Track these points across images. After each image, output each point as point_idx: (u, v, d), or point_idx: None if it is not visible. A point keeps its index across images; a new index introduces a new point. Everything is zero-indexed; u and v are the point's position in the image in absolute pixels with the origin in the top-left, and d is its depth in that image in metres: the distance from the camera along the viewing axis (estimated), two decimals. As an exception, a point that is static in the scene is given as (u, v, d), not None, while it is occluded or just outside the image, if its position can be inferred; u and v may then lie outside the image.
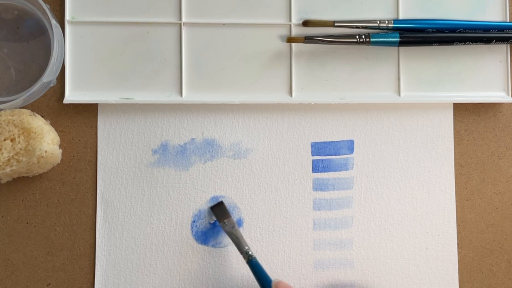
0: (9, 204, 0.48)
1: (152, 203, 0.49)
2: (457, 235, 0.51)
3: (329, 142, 0.50)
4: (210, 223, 0.49)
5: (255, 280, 0.49)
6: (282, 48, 0.49)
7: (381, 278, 0.50)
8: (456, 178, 0.51)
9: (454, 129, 0.51)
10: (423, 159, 0.51)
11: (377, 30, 0.49)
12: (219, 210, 0.49)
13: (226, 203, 0.49)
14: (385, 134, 0.51)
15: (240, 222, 0.49)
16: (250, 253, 0.46)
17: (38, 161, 0.45)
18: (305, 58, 0.49)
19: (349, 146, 0.50)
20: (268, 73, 0.49)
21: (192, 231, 0.49)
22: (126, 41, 0.48)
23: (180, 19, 0.49)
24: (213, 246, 0.49)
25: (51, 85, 0.47)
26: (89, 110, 0.49)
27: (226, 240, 0.49)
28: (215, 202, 0.49)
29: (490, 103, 0.52)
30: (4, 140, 0.44)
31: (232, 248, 0.49)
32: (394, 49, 0.50)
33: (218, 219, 0.48)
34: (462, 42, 0.49)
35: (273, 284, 0.44)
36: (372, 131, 0.51)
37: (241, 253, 0.47)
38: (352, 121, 0.51)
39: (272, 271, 0.49)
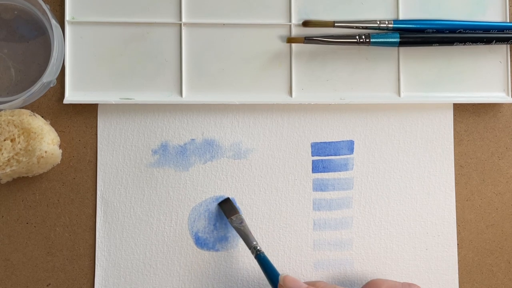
0: (9, 204, 0.48)
1: (152, 203, 0.49)
2: (457, 236, 0.51)
3: (329, 142, 0.50)
4: (214, 225, 0.49)
5: (254, 281, 0.49)
6: (282, 48, 0.49)
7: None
8: (456, 178, 0.51)
9: (454, 129, 0.51)
10: (423, 159, 0.51)
11: (377, 31, 0.49)
12: (226, 206, 0.49)
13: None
14: (385, 134, 0.51)
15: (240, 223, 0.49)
16: (258, 247, 0.46)
17: (38, 161, 0.45)
18: (305, 58, 0.49)
19: (349, 146, 0.50)
20: (268, 73, 0.49)
21: (192, 231, 0.49)
22: (126, 41, 0.48)
23: (180, 19, 0.49)
24: (212, 246, 0.49)
25: (51, 85, 0.47)
26: (89, 110, 0.49)
27: (225, 241, 0.49)
28: (221, 199, 0.49)
29: (490, 103, 0.52)
30: (4, 140, 0.44)
31: (231, 249, 0.49)
32: (394, 49, 0.50)
33: (226, 215, 0.48)
34: (462, 43, 0.49)
35: (280, 278, 0.44)
36: (372, 131, 0.51)
37: (249, 248, 0.46)
38: (352, 121, 0.51)
39: (272, 271, 0.49)
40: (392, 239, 0.50)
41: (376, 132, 0.51)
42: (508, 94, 0.51)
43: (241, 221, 0.48)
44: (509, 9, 0.51)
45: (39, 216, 0.48)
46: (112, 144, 0.49)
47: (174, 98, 0.48)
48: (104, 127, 0.49)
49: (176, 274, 0.49)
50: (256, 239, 0.47)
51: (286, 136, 0.50)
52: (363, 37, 0.48)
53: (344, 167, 0.50)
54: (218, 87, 0.49)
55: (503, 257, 0.51)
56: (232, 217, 0.48)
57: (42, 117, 0.48)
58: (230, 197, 0.49)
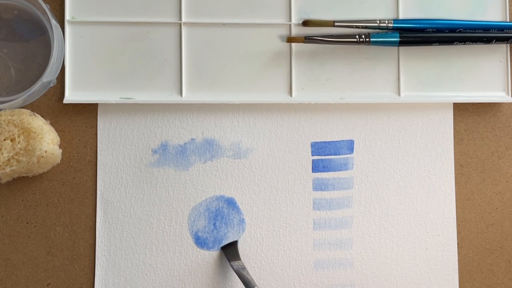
0: (9, 204, 0.48)
1: (152, 203, 0.49)
2: (457, 235, 0.51)
3: (329, 142, 0.50)
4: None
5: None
6: (282, 48, 0.49)
7: (381, 278, 0.50)
8: (456, 178, 0.51)
9: (454, 129, 0.51)
10: (423, 159, 0.51)
11: (377, 30, 0.49)
12: (229, 251, 0.48)
13: (229, 206, 0.49)
14: (385, 134, 0.51)
15: (241, 223, 0.49)
16: None
17: (38, 161, 0.45)
18: (305, 58, 0.49)
19: (349, 146, 0.50)
20: (268, 73, 0.49)
21: (192, 231, 0.49)
22: (126, 41, 0.48)
23: (180, 19, 0.49)
24: (212, 246, 0.49)
25: (51, 85, 0.47)
26: (89, 110, 0.49)
27: (225, 241, 0.49)
28: (228, 242, 0.49)
29: (490, 103, 0.52)
30: (4, 140, 0.44)
31: (232, 248, 0.49)
32: (394, 49, 0.50)
33: (228, 259, 0.48)
34: (462, 42, 0.49)
35: None
36: (372, 131, 0.51)
37: None
38: (352, 121, 0.51)
39: (272, 271, 0.49)
40: (392, 239, 0.50)
41: (376, 131, 0.51)
42: (508, 94, 0.51)
43: (243, 267, 0.47)
44: (509, 9, 0.51)
45: (39, 216, 0.48)
46: (112, 144, 0.49)
47: (174, 98, 0.48)
48: (104, 127, 0.49)
49: (176, 274, 0.49)
50: (257, 283, 0.46)
51: (286, 136, 0.50)
52: (363, 36, 0.48)
53: (344, 166, 0.50)
54: (218, 87, 0.49)
55: (503, 256, 0.51)
56: (234, 262, 0.48)
57: (42, 116, 0.48)
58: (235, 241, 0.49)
